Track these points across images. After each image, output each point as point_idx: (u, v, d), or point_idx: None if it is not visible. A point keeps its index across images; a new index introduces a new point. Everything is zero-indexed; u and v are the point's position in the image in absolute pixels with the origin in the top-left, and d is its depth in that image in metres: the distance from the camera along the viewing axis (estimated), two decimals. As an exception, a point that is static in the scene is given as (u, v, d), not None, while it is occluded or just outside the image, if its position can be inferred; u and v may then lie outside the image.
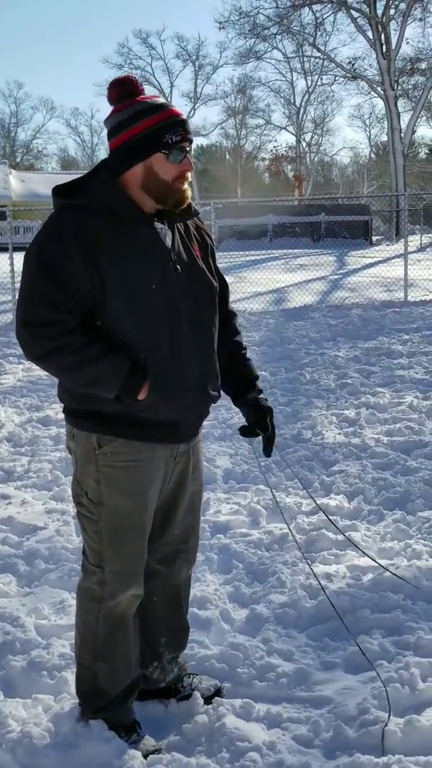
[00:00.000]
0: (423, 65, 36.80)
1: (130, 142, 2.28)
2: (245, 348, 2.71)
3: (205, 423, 2.60)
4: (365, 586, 3.45)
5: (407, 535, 4.04)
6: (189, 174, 2.34)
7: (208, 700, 2.66)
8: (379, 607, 3.27)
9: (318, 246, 27.51)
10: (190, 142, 2.33)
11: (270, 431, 2.62)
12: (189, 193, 2.38)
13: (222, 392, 2.58)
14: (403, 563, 3.65)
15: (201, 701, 2.64)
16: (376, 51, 33.97)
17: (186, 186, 2.35)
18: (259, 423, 2.62)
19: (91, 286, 2.24)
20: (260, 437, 2.64)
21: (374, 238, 31.72)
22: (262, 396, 2.66)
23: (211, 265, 2.53)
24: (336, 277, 18.72)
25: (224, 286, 2.66)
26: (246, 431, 2.65)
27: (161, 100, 2.34)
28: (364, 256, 23.45)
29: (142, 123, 2.27)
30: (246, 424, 2.65)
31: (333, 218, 29.98)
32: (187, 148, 2.31)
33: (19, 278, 2.37)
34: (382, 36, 33.98)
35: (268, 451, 2.64)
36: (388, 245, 27.82)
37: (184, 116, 2.33)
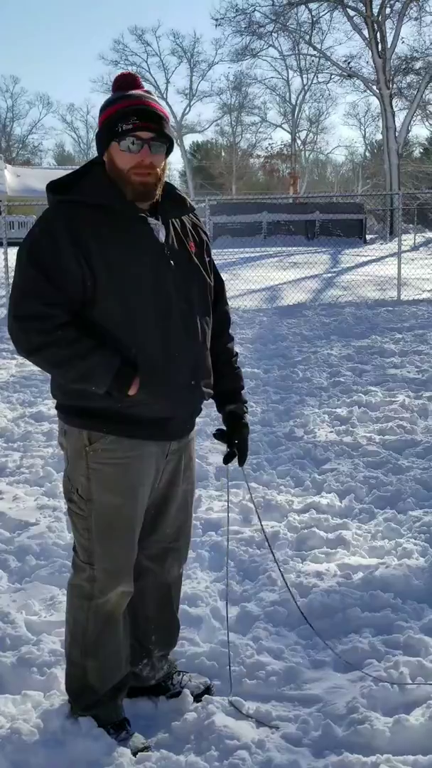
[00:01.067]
0: (418, 64, 36.80)
1: (98, 131, 2.32)
2: (236, 355, 2.71)
3: (197, 420, 2.60)
4: (355, 585, 3.45)
5: (398, 534, 4.04)
6: (151, 165, 2.27)
7: (197, 697, 2.66)
8: (369, 606, 3.27)
9: (312, 244, 27.53)
10: (155, 134, 2.26)
11: (242, 448, 2.63)
12: (152, 186, 2.30)
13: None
14: (393, 562, 3.65)
15: (190, 699, 2.64)
16: (372, 50, 33.96)
17: (149, 179, 2.29)
18: (232, 436, 2.63)
19: (83, 282, 2.23)
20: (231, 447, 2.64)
21: (368, 237, 31.73)
22: (245, 406, 2.66)
23: (206, 262, 2.52)
24: (330, 275, 18.72)
25: (220, 285, 2.65)
26: (220, 437, 2.65)
27: (136, 92, 2.30)
28: (358, 255, 23.45)
29: (105, 112, 2.29)
30: (223, 428, 2.66)
31: (327, 216, 30.01)
32: (146, 139, 2.25)
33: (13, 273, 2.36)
34: (378, 35, 33.98)
35: (228, 459, 2.63)
36: (381, 244, 27.83)
37: (151, 108, 2.27)
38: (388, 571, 3.55)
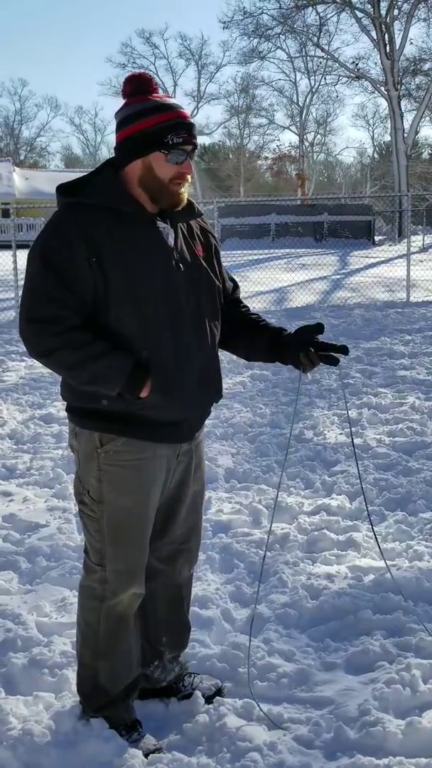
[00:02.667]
0: (427, 66, 36.80)
1: (134, 137, 2.29)
2: (256, 314, 2.67)
3: (207, 422, 2.59)
4: (366, 587, 3.44)
5: (409, 536, 4.03)
6: (188, 177, 2.33)
7: (209, 699, 2.66)
8: (381, 608, 3.26)
9: (320, 246, 27.51)
10: (194, 147, 2.31)
11: (328, 345, 2.46)
12: (184, 196, 2.37)
13: (257, 361, 2.58)
14: (404, 564, 3.65)
15: (202, 701, 2.64)
16: (380, 51, 33.95)
17: (183, 189, 2.34)
18: (310, 330, 2.48)
19: (94, 284, 2.24)
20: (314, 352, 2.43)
21: (377, 239, 31.70)
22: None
23: (215, 265, 2.52)
24: (338, 277, 18.71)
25: (234, 287, 2.65)
26: (325, 358, 2.44)
27: (172, 101, 2.32)
28: (367, 256, 23.42)
29: (148, 120, 2.26)
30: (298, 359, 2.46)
31: (336, 218, 30.00)
32: (189, 152, 2.30)
33: (23, 276, 2.37)
34: (386, 36, 33.97)
35: (336, 358, 2.44)
36: (390, 245, 27.80)
37: (192, 121, 2.33)
38: (399, 573, 3.54)
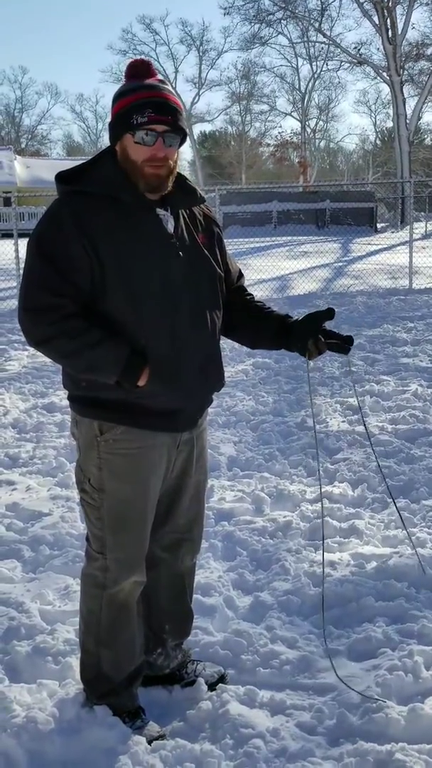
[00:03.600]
0: (429, 50, 36.51)
1: (112, 121, 2.31)
2: (261, 302, 2.65)
3: (209, 410, 2.59)
4: (369, 574, 3.45)
5: (411, 524, 4.03)
6: (163, 158, 2.26)
7: (212, 686, 2.67)
8: (383, 595, 3.27)
9: (322, 233, 27.42)
10: (170, 127, 2.25)
11: (334, 333, 2.43)
12: (167, 180, 2.30)
13: (263, 349, 2.54)
14: (407, 551, 3.65)
15: (205, 688, 2.65)
16: (382, 36, 33.67)
17: (163, 171, 2.27)
18: (320, 315, 2.45)
19: (91, 272, 2.23)
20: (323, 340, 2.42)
21: (379, 225, 31.58)
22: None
23: (217, 252, 2.50)
24: (340, 264, 18.65)
25: (238, 275, 2.64)
26: (334, 346, 2.43)
27: (150, 81, 2.28)
28: (369, 243, 23.34)
29: (121, 102, 2.27)
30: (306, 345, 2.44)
31: (338, 205, 29.88)
32: (162, 132, 2.24)
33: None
34: (388, 21, 33.67)
35: (346, 347, 2.44)
36: (393, 232, 27.71)
37: (164, 99, 2.25)
38: (401, 560, 3.55)
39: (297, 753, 2.34)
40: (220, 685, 2.67)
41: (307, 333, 2.45)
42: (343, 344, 2.45)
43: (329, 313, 2.45)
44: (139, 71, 2.31)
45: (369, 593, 3.27)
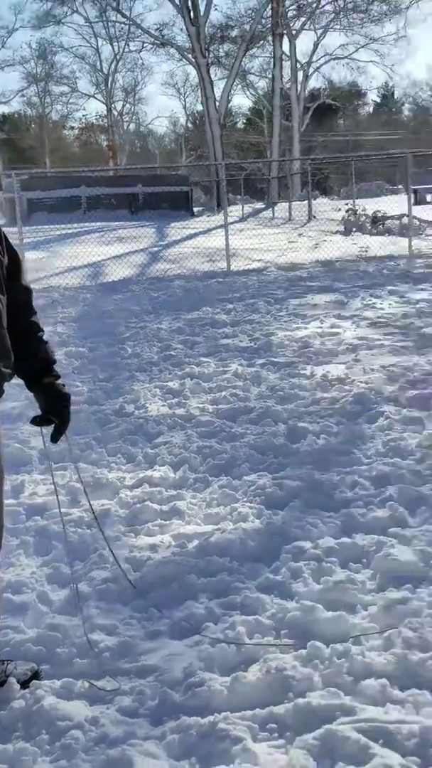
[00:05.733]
0: (234, 33, 37.62)
1: None
2: (42, 330, 2.66)
3: (17, 404, 2.54)
4: (191, 553, 3.52)
5: (233, 500, 4.15)
6: None
7: (24, 684, 2.62)
8: (205, 571, 3.35)
9: (136, 218, 27.53)
10: None
11: (65, 419, 2.62)
12: None
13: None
14: (229, 527, 3.75)
15: (17, 687, 2.59)
16: (184, 17, 34.23)
17: None
18: (53, 409, 2.62)
19: None
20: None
21: (195, 209, 32.17)
22: (59, 382, 2.63)
23: None
24: (156, 249, 18.83)
25: (15, 260, 2.59)
26: (39, 420, 2.64)
27: None
28: (185, 228, 23.73)
29: None
30: (39, 413, 2.64)
31: (151, 189, 30.12)
32: None
33: None
34: (190, 2, 34.28)
35: (56, 437, 2.64)
36: (209, 216, 28.31)
37: None
38: (224, 536, 3.65)
39: (117, 738, 2.35)
40: (33, 681, 2.63)
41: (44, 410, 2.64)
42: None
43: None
44: None
45: (191, 571, 3.34)
